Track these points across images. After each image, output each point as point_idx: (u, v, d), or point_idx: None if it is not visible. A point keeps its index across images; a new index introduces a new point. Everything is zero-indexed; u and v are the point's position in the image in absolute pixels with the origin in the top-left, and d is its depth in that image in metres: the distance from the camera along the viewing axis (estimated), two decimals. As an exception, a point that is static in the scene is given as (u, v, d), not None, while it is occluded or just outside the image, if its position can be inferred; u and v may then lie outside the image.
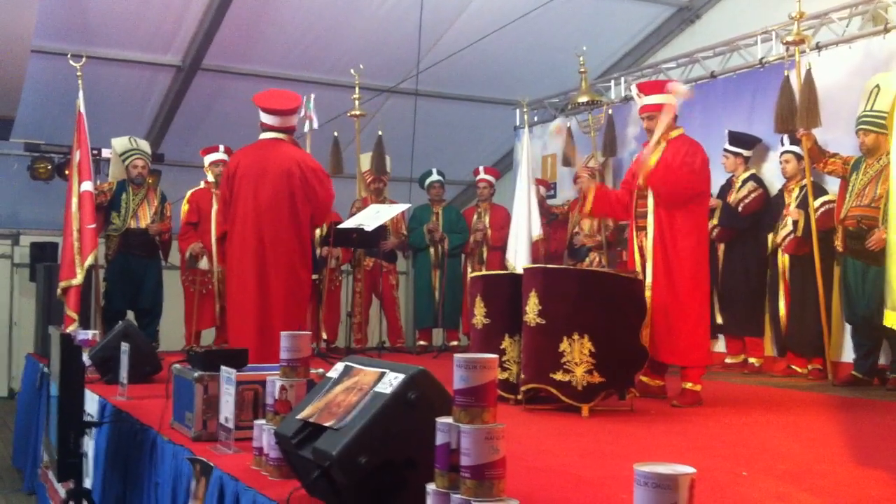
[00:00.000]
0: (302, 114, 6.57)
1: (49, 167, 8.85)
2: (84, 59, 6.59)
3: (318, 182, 5.37)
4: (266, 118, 5.40)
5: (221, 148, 7.73)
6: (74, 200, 6.14)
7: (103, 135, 7.64)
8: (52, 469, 4.07)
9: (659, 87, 5.10)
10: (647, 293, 4.75)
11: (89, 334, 5.17)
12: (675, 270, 4.74)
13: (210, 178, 7.72)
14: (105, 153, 7.96)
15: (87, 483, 3.98)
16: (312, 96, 7.29)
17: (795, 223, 6.22)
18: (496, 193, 8.87)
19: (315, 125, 7.30)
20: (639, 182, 4.91)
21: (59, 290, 6.03)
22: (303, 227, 5.31)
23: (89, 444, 4.11)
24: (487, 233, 8.54)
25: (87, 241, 6.00)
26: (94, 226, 6.13)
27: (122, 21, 7.92)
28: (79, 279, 5.96)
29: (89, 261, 6.00)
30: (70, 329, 5.66)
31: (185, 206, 7.66)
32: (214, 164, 7.70)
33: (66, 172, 7.45)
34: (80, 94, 6.54)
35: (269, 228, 5.19)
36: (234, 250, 5.30)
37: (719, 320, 6.85)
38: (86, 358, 4.74)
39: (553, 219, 8.47)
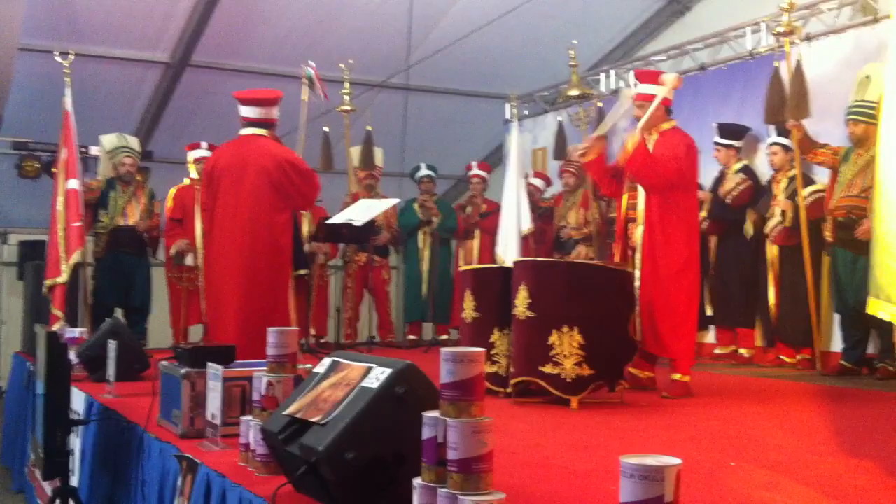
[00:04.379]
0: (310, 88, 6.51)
1: (37, 165, 8.79)
2: (71, 57, 6.53)
3: (299, 175, 5.21)
4: (246, 111, 5.25)
5: (205, 144, 7.66)
6: (60, 198, 6.10)
7: (92, 132, 7.58)
8: (38, 468, 4.04)
9: (655, 77, 5.09)
10: (637, 283, 4.75)
11: (77, 332, 5.12)
12: (662, 262, 4.74)
13: (194, 174, 7.66)
14: (93, 150, 7.90)
15: (74, 481, 3.95)
16: (313, 64, 6.75)
17: (784, 213, 6.22)
18: (487, 188, 8.86)
19: (321, 94, 6.78)
20: (618, 161, 4.91)
21: (44, 289, 5.99)
22: (281, 223, 5.18)
23: (76, 443, 4.09)
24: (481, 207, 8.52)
25: (72, 239, 5.96)
26: (79, 224, 6.08)
27: (110, 18, 7.86)
28: (64, 277, 5.92)
29: (74, 258, 5.96)
30: (56, 327, 5.62)
31: (169, 203, 7.61)
32: (198, 160, 7.61)
33: (53, 170, 7.40)
34: (67, 91, 6.49)
35: (250, 225, 5.09)
36: (216, 247, 5.21)
37: (710, 312, 6.86)
38: (73, 356, 4.71)
39: (541, 213, 8.44)
